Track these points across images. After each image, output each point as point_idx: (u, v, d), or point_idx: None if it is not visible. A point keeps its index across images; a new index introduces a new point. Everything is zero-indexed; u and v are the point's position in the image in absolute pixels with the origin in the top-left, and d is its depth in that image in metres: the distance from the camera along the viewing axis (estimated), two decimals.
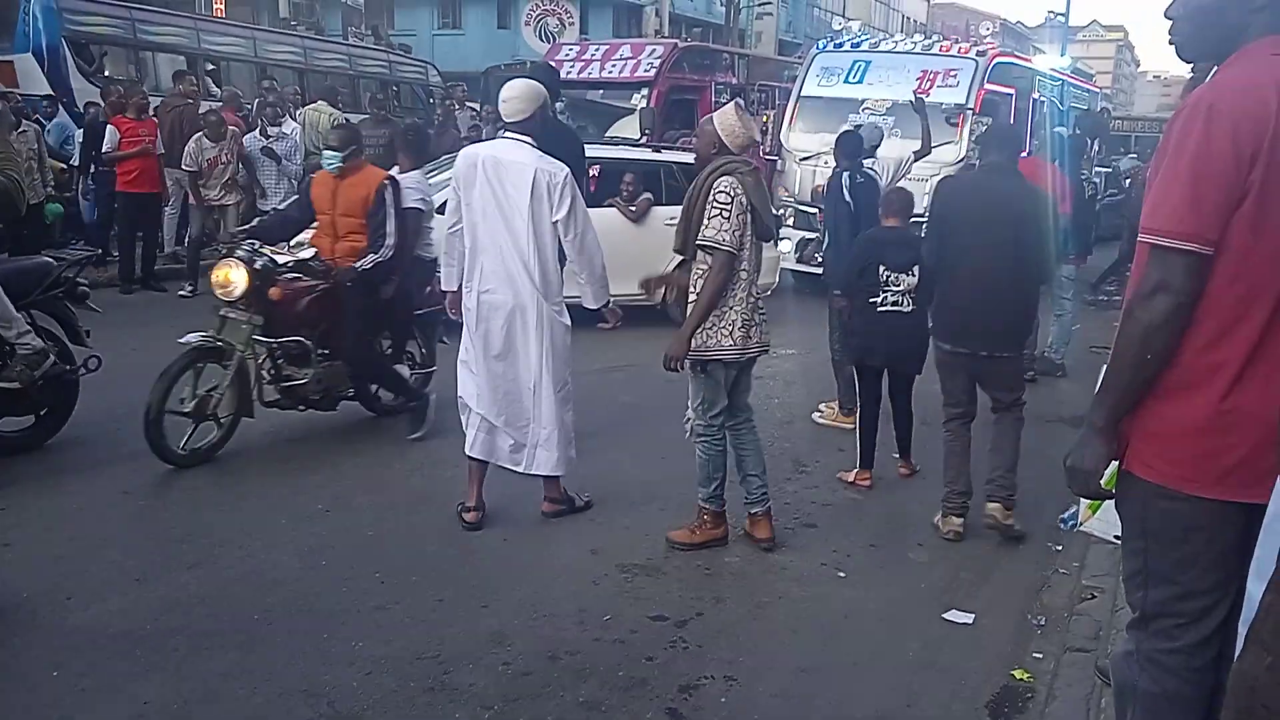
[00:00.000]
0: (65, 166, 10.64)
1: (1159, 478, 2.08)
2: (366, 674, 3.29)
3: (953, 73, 11.26)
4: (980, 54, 11.53)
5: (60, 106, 11.52)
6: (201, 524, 4.45)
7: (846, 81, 11.70)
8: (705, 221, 4.08)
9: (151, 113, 10.15)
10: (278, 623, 3.61)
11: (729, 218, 4.04)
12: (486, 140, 6.03)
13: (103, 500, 4.66)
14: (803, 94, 11.98)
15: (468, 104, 15.66)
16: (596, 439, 5.66)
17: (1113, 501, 2.23)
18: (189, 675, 3.23)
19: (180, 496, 4.78)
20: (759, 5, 34.52)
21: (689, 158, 9.72)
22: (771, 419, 6.22)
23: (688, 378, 4.36)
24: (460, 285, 4.49)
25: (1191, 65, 2.44)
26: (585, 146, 5.99)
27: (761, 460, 4.44)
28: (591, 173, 8.40)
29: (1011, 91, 11.88)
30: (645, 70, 13.96)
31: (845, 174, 6.23)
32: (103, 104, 10.64)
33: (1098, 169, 13.96)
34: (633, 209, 8.81)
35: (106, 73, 12.92)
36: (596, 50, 14.96)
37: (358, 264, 5.32)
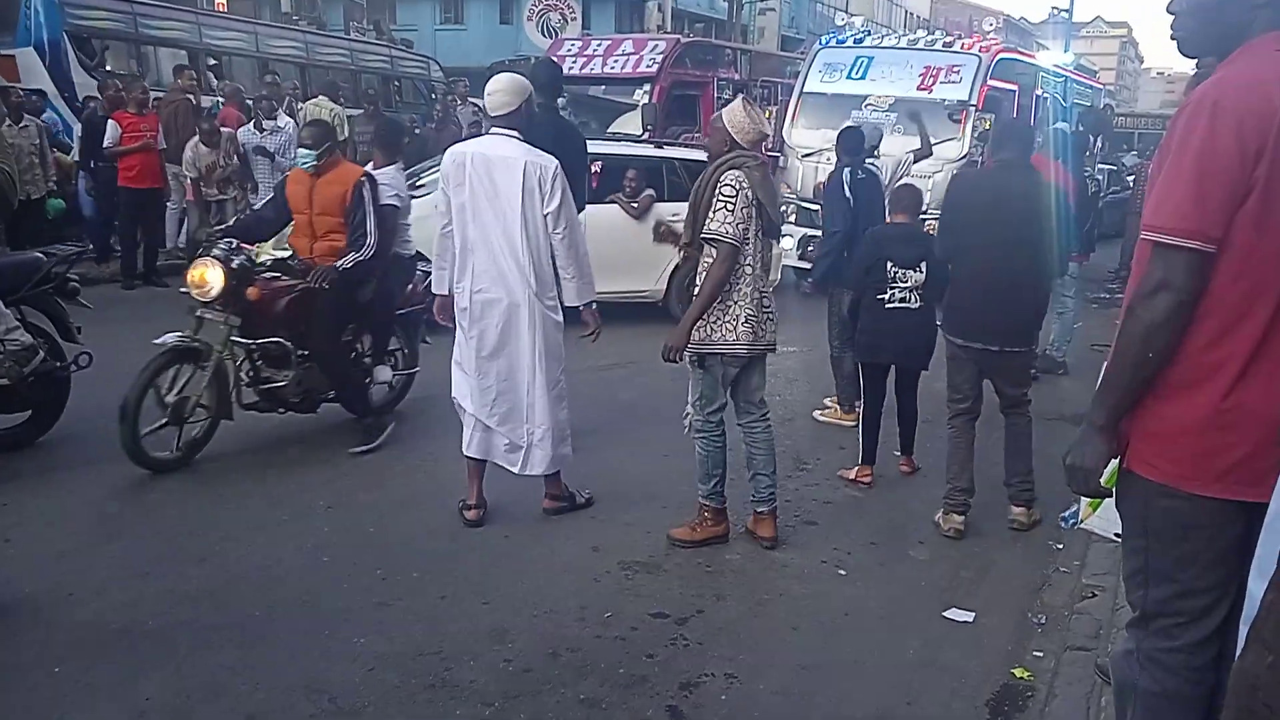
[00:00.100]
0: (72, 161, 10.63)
1: (1160, 476, 2.07)
2: (368, 670, 3.30)
3: (955, 69, 11.23)
4: (983, 50, 11.51)
5: (47, 101, 11.47)
6: (203, 520, 4.45)
7: (849, 78, 11.68)
8: (710, 215, 4.08)
9: (153, 107, 10.16)
10: (280, 619, 3.61)
11: (733, 211, 4.04)
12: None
13: (102, 496, 4.68)
14: (805, 90, 11.96)
15: (470, 100, 15.65)
16: (597, 436, 5.67)
17: (1113, 499, 2.22)
18: (191, 671, 3.24)
19: (182, 493, 4.78)
20: (761, 1, 34.47)
21: (691, 154, 9.77)
22: (772, 416, 6.16)
23: (688, 372, 4.35)
24: (451, 288, 4.43)
25: (1196, 61, 2.43)
26: (588, 142, 5.96)
27: (772, 460, 4.44)
28: (594, 169, 8.40)
29: (1014, 88, 11.85)
30: (647, 66, 13.95)
31: (846, 170, 6.23)
32: (100, 98, 10.64)
33: (1101, 166, 13.93)
34: (635, 205, 8.81)
35: (108, 67, 12.92)
36: (599, 46, 14.94)
37: (338, 263, 5.19)
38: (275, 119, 10.35)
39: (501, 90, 4.33)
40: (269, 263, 5.34)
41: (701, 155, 9.63)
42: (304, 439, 5.58)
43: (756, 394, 4.38)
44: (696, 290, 4.20)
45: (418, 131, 14.08)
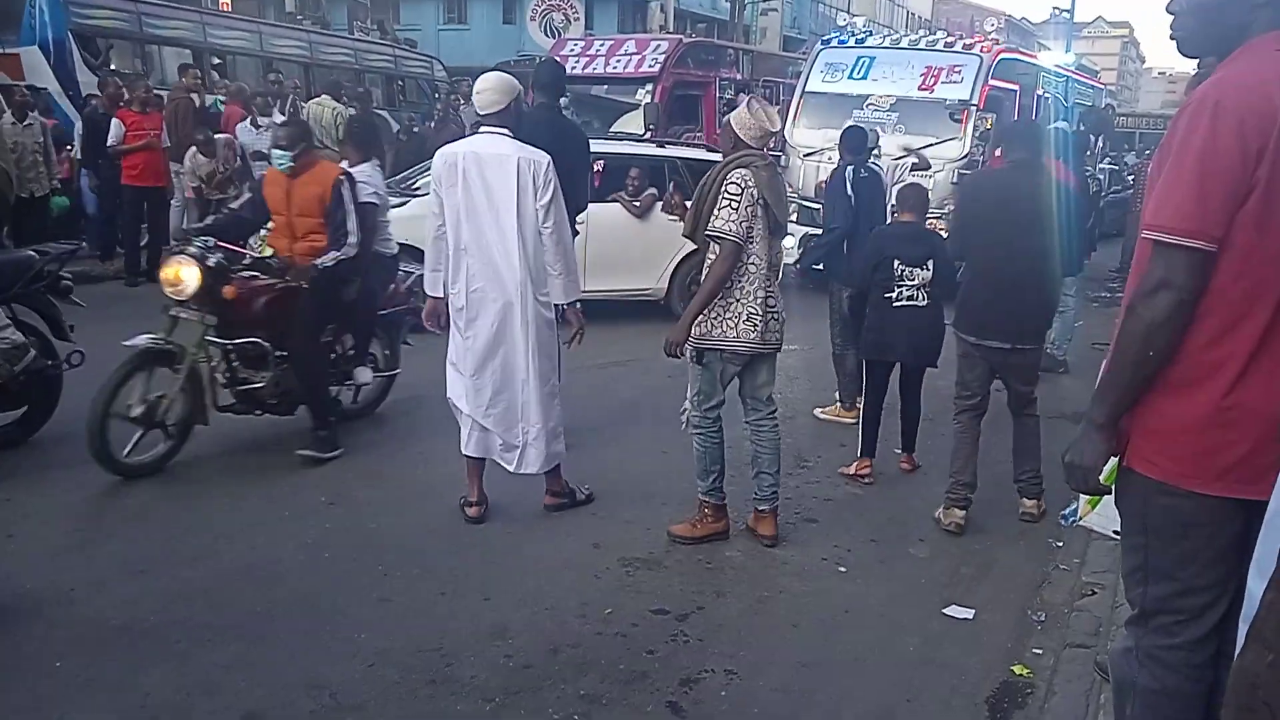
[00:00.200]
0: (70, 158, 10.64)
1: (1160, 474, 2.07)
2: (369, 666, 3.30)
3: (957, 69, 11.23)
4: (985, 50, 11.51)
5: (50, 99, 11.47)
6: (203, 517, 4.46)
7: (851, 77, 11.69)
8: (715, 212, 4.10)
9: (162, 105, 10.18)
10: (280, 616, 3.62)
11: (737, 209, 4.06)
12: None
13: (100, 494, 4.67)
14: (807, 90, 11.97)
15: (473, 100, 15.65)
16: (597, 434, 5.67)
17: (1112, 497, 2.22)
18: (191, 668, 3.24)
19: (181, 490, 4.78)
20: (764, 1, 34.46)
21: (693, 153, 9.78)
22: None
23: (688, 368, 4.36)
24: (445, 291, 4.41)
25: (1197, 61, 2.43)
26: (590, 142, 5.97)
27: (777, 460, 4.44)
28: (596, 168, 8.40)
29: (1016, 87, 11.85)
30: (650, 66, 13.96)
31: (849, 168, 6.25)
32: (100, 95, 10.64)
33: (1102, 165, 13.93)
34: (637, 204, 8.81)
35: (112, 66, 12.94)
36: (601, 45, 14.96)
37: (318, 261, 5.08)
38: (270, 116, 10.35)
39: (490, 89, 4.33)
40: (246, 261, 5.21)
41: (703, 154, 9.69)
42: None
43: (764, 391, 4.38)
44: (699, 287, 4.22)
45: (416, 130, 14.09)
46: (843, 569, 4.28)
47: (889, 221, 5.98)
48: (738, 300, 4.15)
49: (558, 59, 12.77)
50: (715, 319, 4.16)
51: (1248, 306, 1.97)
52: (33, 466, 4.94)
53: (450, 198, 4.28)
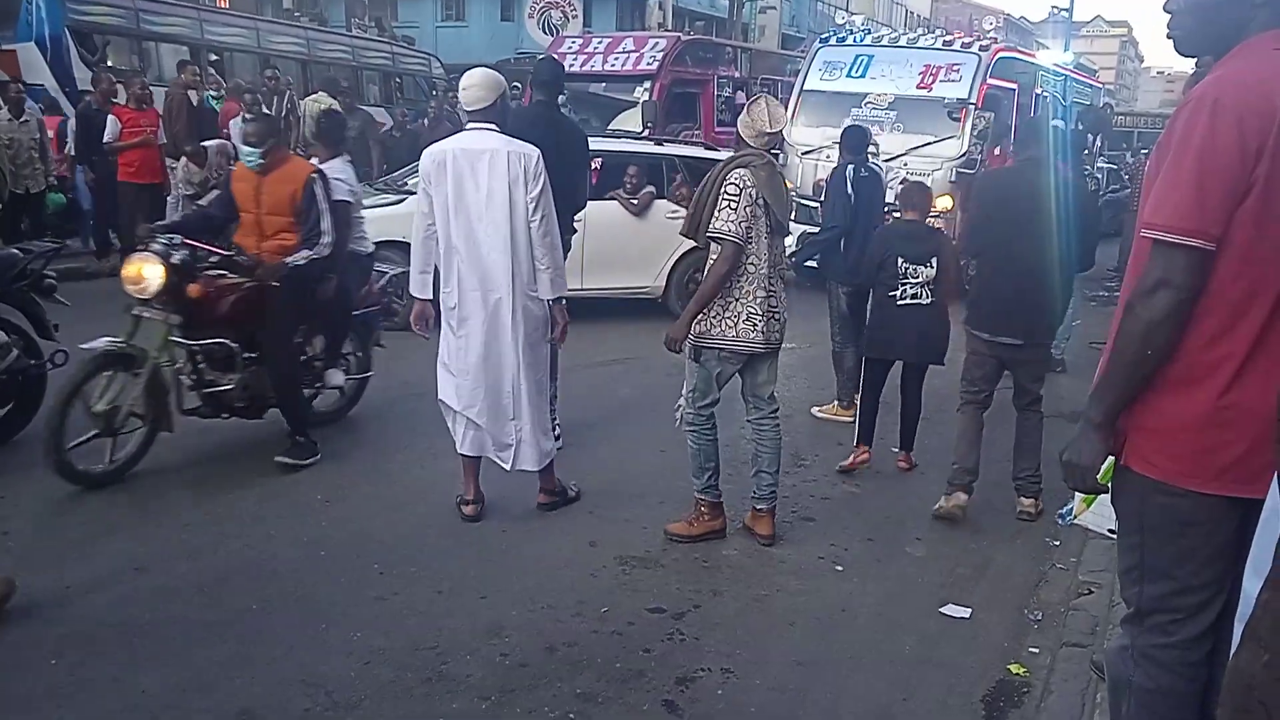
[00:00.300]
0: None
1: (1158, 473, 2.07)
2: (364, 664, 3.30)
3: (955, 67, 11.22)
4: (983, 49, 11.51)
5: (43, 98, 11.44)
6: (198, 515, 4.45)
7: (849, 76, 11.68)
8: (715, 213, 4.10)
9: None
10: (276, 613, 3.61)
11: (736, 209, 4.06)
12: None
13: (96, 492, 4.62)
14: (805, 88, 11.96)
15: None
16: (595, 432, 5.67)
17: (1108, 495, 2.22)
18: (187, 665, 3.24)
19: (178, 487, 4.77)
20: None
21: (691, 151, 9.77)
22: None
23: (686, 365, 4.37)
24: (432, 293, 4.38)
25: (1195, 60, 2.42)
26: (589, 140, 5.96)
27: (778, 460, 4.44)
28: (594, 165, 8.40)
29: (1014, 86, 11.85)
30: (648, 64, 13.96)
31: (850, 166, 6.26)
32: (94, 90, 10.62)
33: (1100, 164, 13.93)
34: (634, 202, 8.80)
35: (109, 62, 12.92)
36: (599, 43, 14.95)
37: (288, 259, 4.93)
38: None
39: (476, 85, 4.31)
40: (214, 259, 5.04)
41: (701, 152, 9.69)
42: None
43: (765, 389, 4.38)
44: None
45: (409, 127, 14.06)
46: (839, 568, 4.28)
47: (887, 221, 6.00)
48: (738, 300, 4.15)
49: (556, 56, 12.76)
50: (715, 318, 4.16)
51: (1246, 305, 1.97)
52: (28, 463, 4.90)
53: (439, 195, 4.26)
